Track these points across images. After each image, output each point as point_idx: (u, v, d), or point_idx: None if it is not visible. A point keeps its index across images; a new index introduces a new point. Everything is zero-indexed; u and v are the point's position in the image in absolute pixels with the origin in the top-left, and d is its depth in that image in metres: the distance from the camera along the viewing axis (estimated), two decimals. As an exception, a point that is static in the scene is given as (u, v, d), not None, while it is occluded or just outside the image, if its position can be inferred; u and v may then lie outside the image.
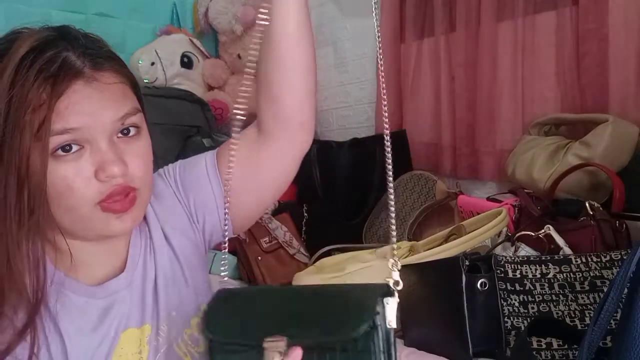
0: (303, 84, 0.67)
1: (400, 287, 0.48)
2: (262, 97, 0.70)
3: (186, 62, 2.09)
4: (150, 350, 0.65)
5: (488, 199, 1.37)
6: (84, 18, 1.90)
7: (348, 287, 0.52)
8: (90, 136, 0.56)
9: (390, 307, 0.47)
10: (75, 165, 0.56)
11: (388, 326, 0.46)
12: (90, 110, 0.56)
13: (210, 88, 2.19)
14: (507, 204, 1.24)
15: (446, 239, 1.17)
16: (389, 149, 0.53)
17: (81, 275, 0.63)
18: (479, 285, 0.84)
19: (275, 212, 1.59)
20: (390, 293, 0.47)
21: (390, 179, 0.53)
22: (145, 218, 0.70)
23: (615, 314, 0.63)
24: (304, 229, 1.60)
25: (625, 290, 0.58)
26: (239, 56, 2.13)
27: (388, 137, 0.54)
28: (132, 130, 0.61)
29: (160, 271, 0.68)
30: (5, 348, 0.55)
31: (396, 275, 0.49)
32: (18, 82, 0.53)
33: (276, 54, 0.65)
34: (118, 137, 0.59)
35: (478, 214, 1.24)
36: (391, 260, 0.49)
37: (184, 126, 1.88)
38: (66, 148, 0.56)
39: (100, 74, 0.58)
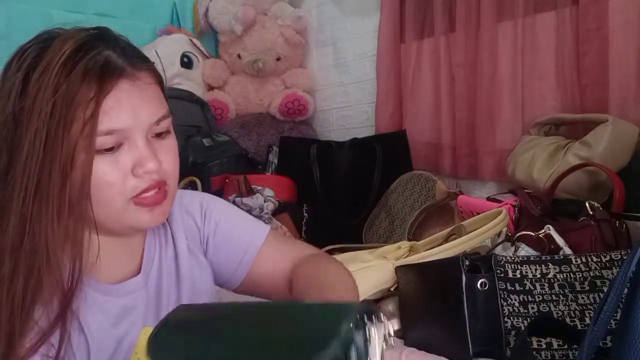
0: None
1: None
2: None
3: (186, 62, 2.09)
4: None
5: (488, 199, 1.37)
6: (84, 18, 1.89)
7: (310, 307, 0.41)
8: (130, 134, 0.59)
9: (374, 335, 0.35)
10: (114, 160, 0.58)
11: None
12: (132, 110, 0.58)
13: (210, 88, 2.19)
14: (507, 204, 1.24)
15: (446, 239, 1.17)
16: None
17: (101, 274, 0.65)
18: (479, 285, 0.84)
19: (275, 212, 1.59)
20: (371, 314, 0.36)
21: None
22: (168, 220, 0.72)
23: (615, 314, 0.63)
24: (304, 229, 1.60)
25: (625, 290, 0.58)
26: (239, 56, 2.13)
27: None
28: (164, 131, 0.63)
29: (183, 274, 0.71)
30: (39, 338, 0.57)
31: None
32: (64, 79, 0.55)
33: None
34: (151, 137, 0.62)
35: (478, 214, 1.24)
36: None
37: (184, 126, 1.88)
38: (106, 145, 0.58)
39: (140, 73, 0.60)
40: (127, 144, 0.59)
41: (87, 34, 0.59)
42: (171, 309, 0.68)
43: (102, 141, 0.56)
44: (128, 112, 0.58)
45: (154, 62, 2.06)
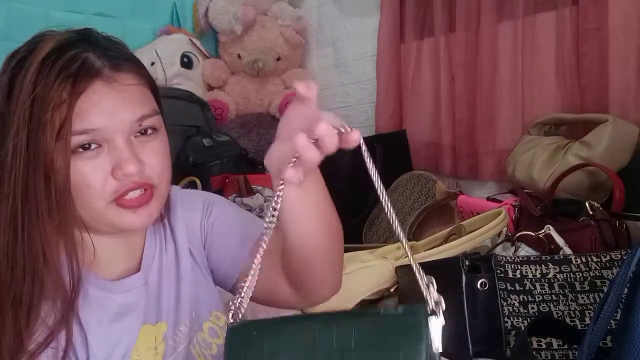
0: (328, 272, 0.67)
1: (443, 307, 0.42)
2: (284, 274, 0.69)
3: (186, 62, 2.09)
4: (166, 348, 0.67)
5: (488, 199, 1.37)
6: (83, 18, 1.89)
7: (389, 319, 0.43)
8: (109, 135, 0.58)
9: (435, 329, 0.41)
10: (93, 162, 0.58)
11: (435, 351, 0.41)
12: (108, 111, 0.57)
13: (210, 88, 2.19)
14: (507, 204, 1.24)
15: (446, 239, 1.17)
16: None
17: (100, 271, 0.65)
18: (479, 285, 0.84)
19: (275, 212, 1.59)
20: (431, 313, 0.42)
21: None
22: (169, 219, 0.72)
23: (615, 314, 0.63)
24: (303, 229, 1.60)
25: (625, 290, 0.58)
26: (239, 56, 2.13)
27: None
28: (150, 131, 0.62)
29: (183, 273, 0.70)
30: (48, 334, 0.58)
31: (435, 295, 0.43)
32: (40, 81, 0.55)
33: (293, 253, 0.64)
34: (135, 137, 0.60)
35: (478, 214, 1.24)
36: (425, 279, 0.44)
37: (184, 126, 1.88)
38: (85, 146, 0.57)
39: (119, 74, 0.59)
40: (107, 145, 0.58)
41: (69, 35, 0.59)
42: (171, 307, 0.69)
43: (76, 140, 0.56)
44: (102, 113, 0.57)
45: (153, 63, 2.04)
